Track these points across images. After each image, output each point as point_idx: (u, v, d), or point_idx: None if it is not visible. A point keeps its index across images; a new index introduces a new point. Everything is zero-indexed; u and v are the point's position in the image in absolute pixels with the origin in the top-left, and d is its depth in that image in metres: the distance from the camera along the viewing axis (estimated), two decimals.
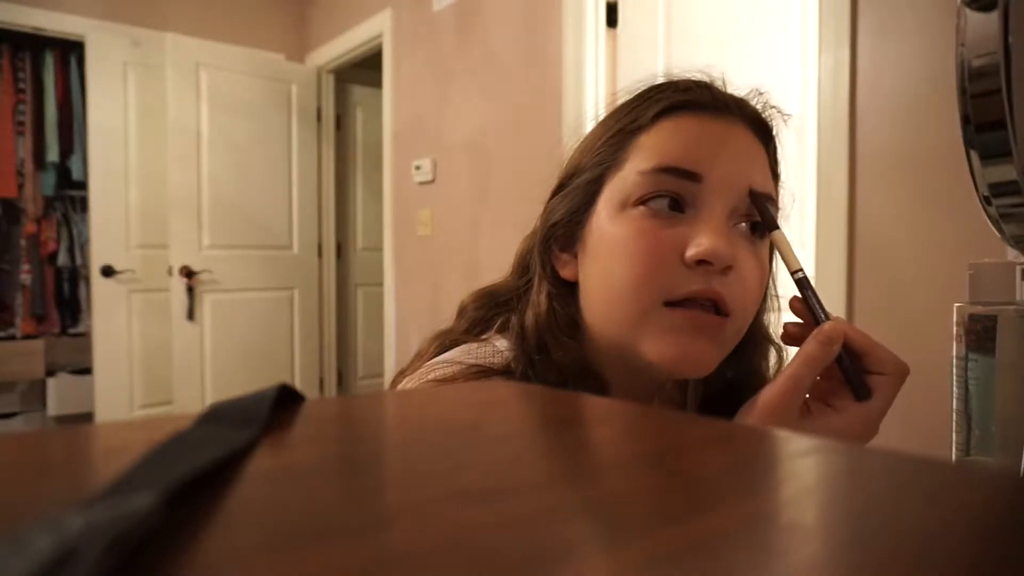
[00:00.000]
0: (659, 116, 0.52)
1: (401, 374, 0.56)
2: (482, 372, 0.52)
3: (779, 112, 0.59)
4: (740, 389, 0.57)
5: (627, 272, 0.50)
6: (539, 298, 0.55)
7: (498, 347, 0.55)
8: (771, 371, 0.66)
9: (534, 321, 0.54)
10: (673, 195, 0.50)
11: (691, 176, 0.50)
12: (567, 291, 0.56)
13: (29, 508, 0.16)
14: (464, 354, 0.54)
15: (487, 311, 0.60)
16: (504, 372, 0.53)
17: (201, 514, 0.15)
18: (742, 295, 0.50)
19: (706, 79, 0.56)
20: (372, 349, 3.80)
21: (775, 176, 0.57)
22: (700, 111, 0.52)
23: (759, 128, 0.55)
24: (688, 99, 0.53)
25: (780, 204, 0.57)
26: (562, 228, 0.56)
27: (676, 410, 0.62)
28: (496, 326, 0.58)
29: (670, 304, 0.49)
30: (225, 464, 0.19)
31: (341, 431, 0.26)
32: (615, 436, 0.25)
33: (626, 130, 0.53)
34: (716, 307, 0.49)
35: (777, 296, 0.64)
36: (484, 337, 0.58)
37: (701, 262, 0.48)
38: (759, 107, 0.57)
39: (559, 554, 0.14)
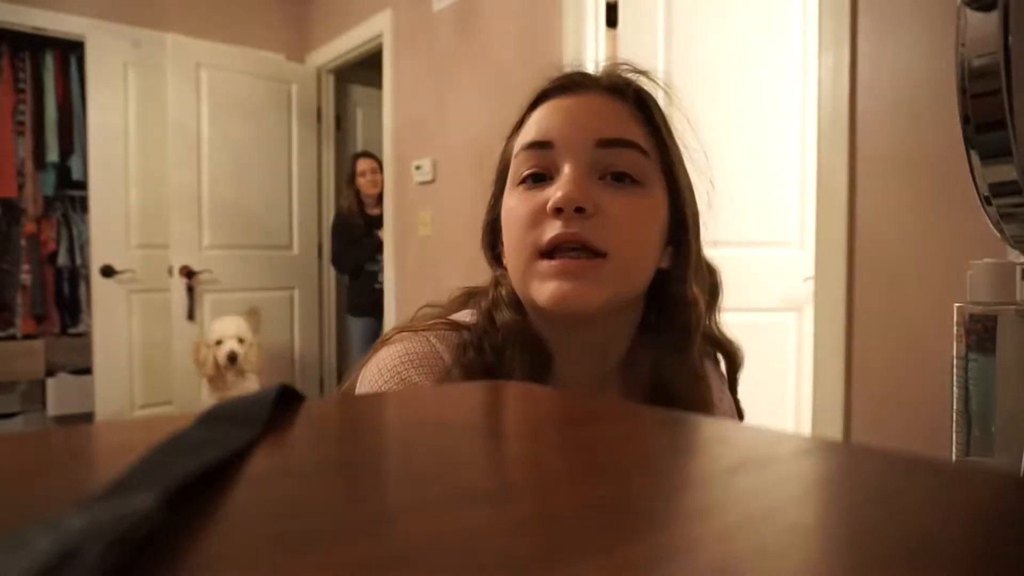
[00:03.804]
0: (530, 110, 0.62)
1: (394, 329, 0.64)
2: (449, 324, 0.62)
3: (643, 74, 0.64)
4: (675, 383, 0.62)
5: (512, 235, 0.59)
6: (491, 283, 0.65)
7: (474, 311, 0.65)
8: (723, 375, 0.70)
9: (487, 300, 0.63)
10: (537, 166, 0.58)
11: (544, 145, 0.58)
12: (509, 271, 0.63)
13: (29, 508, 0.16)
14: (444, 316, 0.65)
15: (467, 298, 0.69)
16: (468, 328, 0.62)
17: (201, 514, 0.15)
18: (613, 233, 0.55)
19: (577, 68, 0.64)
20: None
21: (654, 123, 0.61)
22: (557, 95, 0.61)
23: (615, 91, 0.61)
24: (548, 88, 0.62)
25: (674, 146, 0.62)
26: (493, 219, 0.66)
27: (623, 392, 0.65)
28: (472, 302, 0.68)
29: (543, 255, 0.56)
30: (225, 464, 0.19)
31: (341, 431, 0.26)
32: (616, 436, 0.25)
33: (515, 127, 0.64)
34: (588, 250, 0.55)
35: (718, 280, 0.68)
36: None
37: (558, 210, 0.54)
38: (620, 74, 0.63)
39: (560, 554, 0.14)
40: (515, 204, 0.59)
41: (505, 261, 0.62)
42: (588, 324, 0.59)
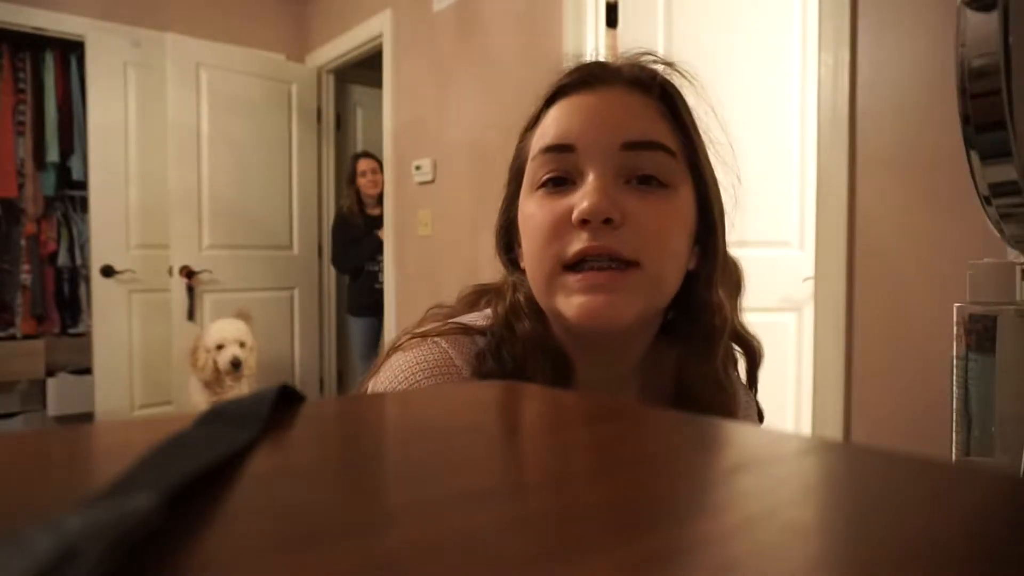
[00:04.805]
0: (547, 105, 0.58)
1: (404, 332, 0.62)
2: (462, 329, 0.59)
3: (668, 65, 0.60)
4: (698, 391, 0.59)
5: (534, 244, 0.55)
6: (507, 286, 0.62)
7: (486, 313, 0.62)
8: (742, 373, 0.68)
9: (505, 305, 0.60)
10: (558, 170, 0.55)
11: (566, 148, 0.55)
12: (527, 277, 0.60)
13: (29, 508, 0.16)
14: (456, 318, 0.62)
15: (478, 296, 0.67)
16: (483, 333, 0.59)
17: (201, 514, 0.15)
18: (643, 242, 0.52)
19: (594, 58, 0.61)
20: None
21: (679, 118, 0.58)
22: (576, 90, 0.57)
23: (639, 84, 0.57)
24: (567, 82, 0.58)
25: (701, 142, 0.59)
26: (508, 222, 0.63)
27: (649, 399, 0.63)
28: (483, 302, 0.66)
29: (569, 267, 0.53)
30: (225, 464, 0.19)
31: (341, 431, 0.26)
32: (616, 436, 0.25)
33: (530, 125, 0.60)
34: (617, 260, 0.52)
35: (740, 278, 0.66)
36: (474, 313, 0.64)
37: (584, 221, 0.51)
38: (643, 65, 0.59)
39: (560, 554, 0.14)
40: (535, 211, 0.55)
41: (523, 265, 0.59)
42: (615, 335, 0.56)
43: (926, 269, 1.45)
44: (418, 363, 0.55)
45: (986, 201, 0.52)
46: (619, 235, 0.52)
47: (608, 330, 0.52)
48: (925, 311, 1.45)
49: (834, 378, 1.61)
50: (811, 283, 1.72)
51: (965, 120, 0.48)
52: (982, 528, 0.17)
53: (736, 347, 0.67)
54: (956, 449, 0.60)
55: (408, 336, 0.59)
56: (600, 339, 0.57)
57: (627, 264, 0.52)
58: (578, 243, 0.52)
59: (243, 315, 2.99)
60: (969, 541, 0.16)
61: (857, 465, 0.22)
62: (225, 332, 2.79)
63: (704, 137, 0.60)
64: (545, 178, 0.55)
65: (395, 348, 0.59)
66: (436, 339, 0.57)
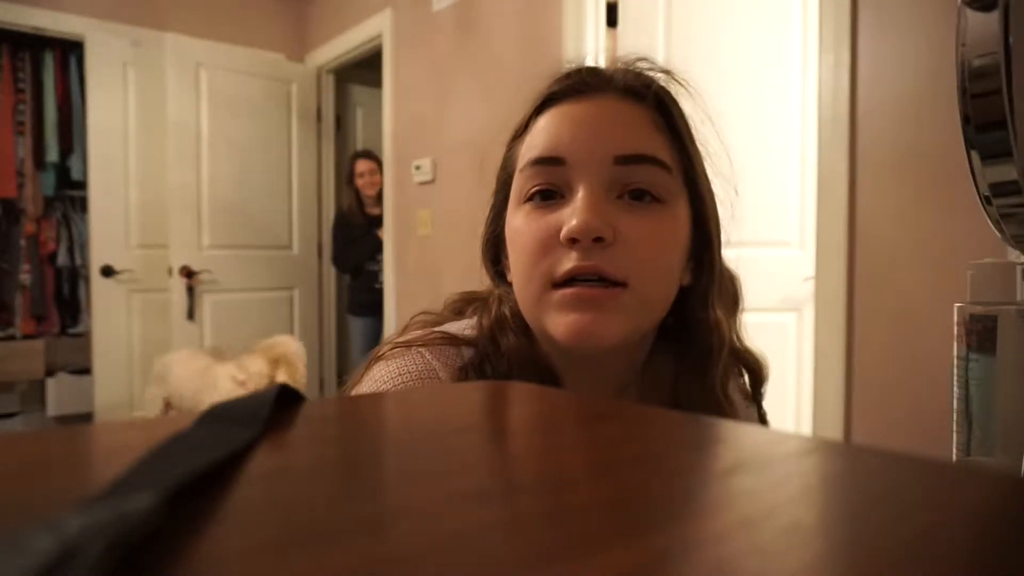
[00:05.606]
0: (536, 114, 0.56)
1: (387, 341, 0.60)
2: (448, 339, 0.57)
3: (665, 73, 0.58)
4: (694, 410, 0.57)
5: (521, 261, 0.53)
6: (493, 299, 0.61)
7: (472, 323, 0.60)
8: (747, 386, 0.65)
9: (490, 319, 0.59)
10: (547, 183, 0.53)
11: (555, 161, 0.52)
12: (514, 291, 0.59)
13: (29, 508, 0.16)
14: (442, 326, 0.60)
15: (465, 304, 0.65)
16: (469, 344, 0.57)
17: (201, 514, 0.15)
18: (633, 262, 0.51)
19: (587, 64, 0.58)
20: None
21: (675, 129, 0.56)
22: (566, 99, 0.55)
23: (633, 93, 0.55)
24: (556, 90, 0.56)
25: (697, 155, 0.57)
26: (495, 233, 0.61)
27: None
28: (470, 310, 0.64)
29: (557, 285, 0.51)
30: (225, 464, 0.19)
31: (341, 431, 0.26)
32: (614, 437, 0.25)
33: (518, 133, 0.58)
34: (606, 280, 0.50)
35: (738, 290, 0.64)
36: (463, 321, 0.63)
37: (573, 240, 0.50)
38: (638, 73, 0.57)
39: (558, 554, 0.14)
40: (523, 226, 0.53)
41: (510, 278, 0.58)
42: (603, 354, 0.54)
43: (926, 269, 1.45)
44: (400, 373, 0.53)
45: (986, 201, 0.52)
46: (609, 254, 0.50)
47: (595, 349, 0.51)
48: (925, 311, 1.45)
49: (834, 378, 1.61)
50: (811, 283, 1.72)
51: (965, 120, 0.48)
52: (982, 528, 0.17)
53: (740, 367, 0.65)
54: (956, 449, 0.60)
55: (391, 345, 0.57)
56: (588, 357, 0.55)
57: (614, 284, 0.50)
58: (568, 262, 0.50)
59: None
60: (969, 541, 0.16)
61: (857, 465, 0.22)
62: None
63: (701, 148, 0.58)
64: (533, 191, 0.53)
65: (377, 357, 0.57)
66: (420, 349, 0.55)
